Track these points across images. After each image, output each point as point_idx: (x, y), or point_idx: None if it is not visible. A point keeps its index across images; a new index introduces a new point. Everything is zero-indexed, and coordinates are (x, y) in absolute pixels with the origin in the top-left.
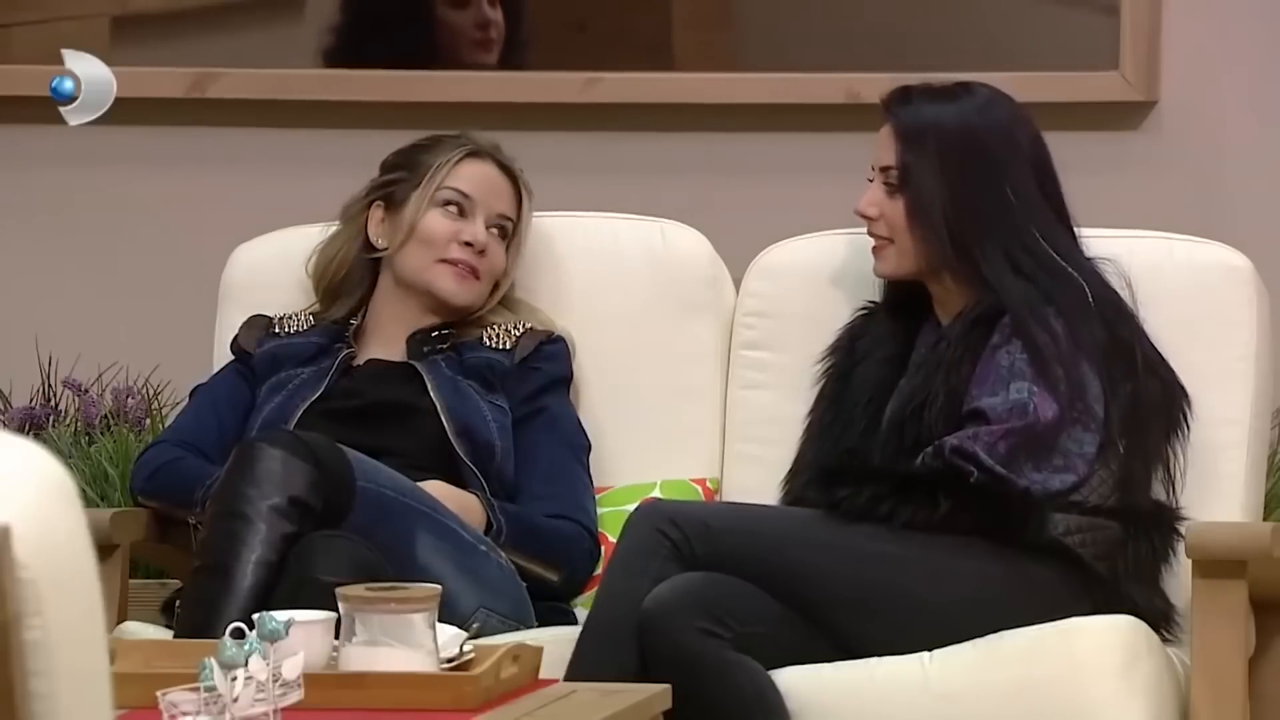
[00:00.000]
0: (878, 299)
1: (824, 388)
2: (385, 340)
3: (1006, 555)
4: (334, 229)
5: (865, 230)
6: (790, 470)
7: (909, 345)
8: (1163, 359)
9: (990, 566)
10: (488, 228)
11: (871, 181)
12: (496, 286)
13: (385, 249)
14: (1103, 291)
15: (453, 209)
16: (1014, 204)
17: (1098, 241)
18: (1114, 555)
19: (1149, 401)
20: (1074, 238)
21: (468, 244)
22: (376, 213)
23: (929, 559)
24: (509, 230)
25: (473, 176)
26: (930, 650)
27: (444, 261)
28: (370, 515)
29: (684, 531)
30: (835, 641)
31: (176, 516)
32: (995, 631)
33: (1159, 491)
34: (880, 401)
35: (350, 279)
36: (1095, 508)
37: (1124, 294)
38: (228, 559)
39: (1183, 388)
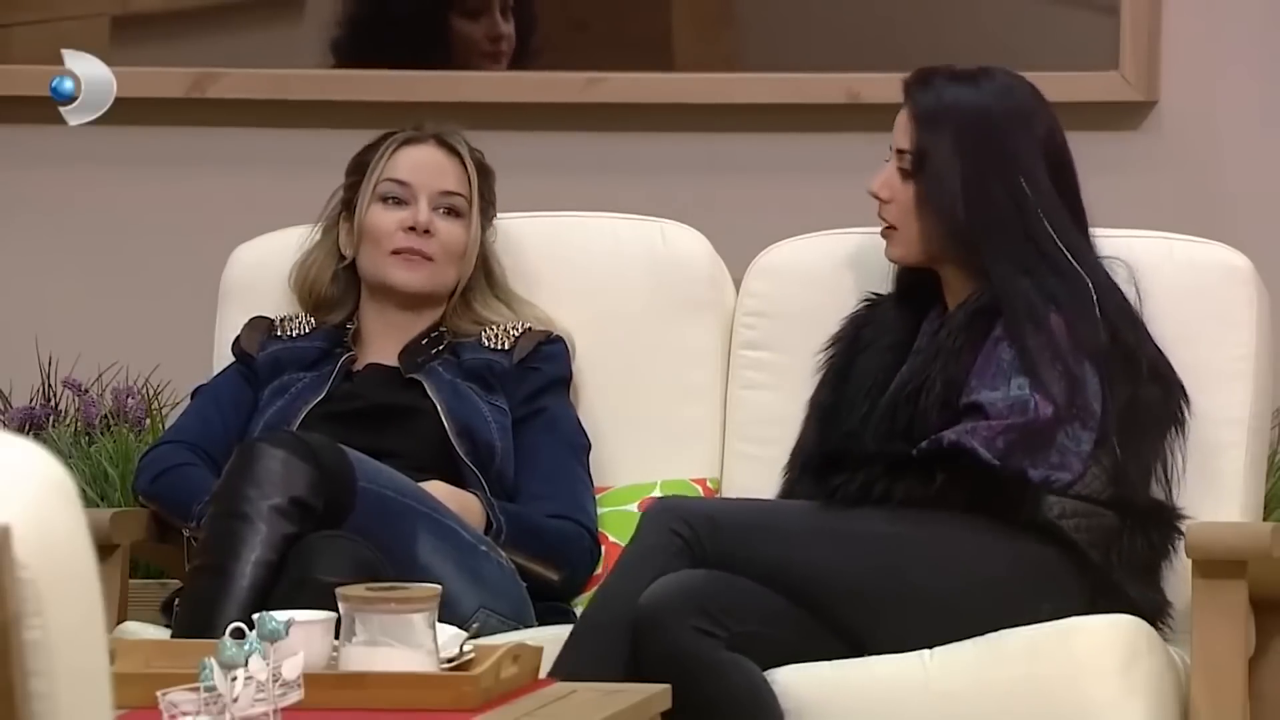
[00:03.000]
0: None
1: (826, 374)
2: (380, 345)
3: (1005, 535)
4: (313, 241)
5: (874, 225)
6: (791, 454)
7: (914, 333)
8: (1163, 357)
9: (990, 548)
10: (433, 208)
11: (887, 163)
12: (487, 271)
13: (351, 257)
14: (1108, 292)
15: (393, 200)
16: (1027, 195)
17: (1098, 241)
18: (1109, 544)
19: (1148, 401)
20: (1086, 234)
21: (411, 229)
22: (345, 223)
23: (927, 539)
24: (461, 207)
25: (410, 162)
26: (935, 634)
27: (394, 253)
28: (371, 516)
29: (695, 530)
30: (841, 634)
31: (172, 524)
32: (996, 614)
33: (1157, 491)
34: (883, 387)
35: (332, 291)
36: (1090, 498)
37: (1130, 294)
38: (227, 559)
39: (1182, 386)
